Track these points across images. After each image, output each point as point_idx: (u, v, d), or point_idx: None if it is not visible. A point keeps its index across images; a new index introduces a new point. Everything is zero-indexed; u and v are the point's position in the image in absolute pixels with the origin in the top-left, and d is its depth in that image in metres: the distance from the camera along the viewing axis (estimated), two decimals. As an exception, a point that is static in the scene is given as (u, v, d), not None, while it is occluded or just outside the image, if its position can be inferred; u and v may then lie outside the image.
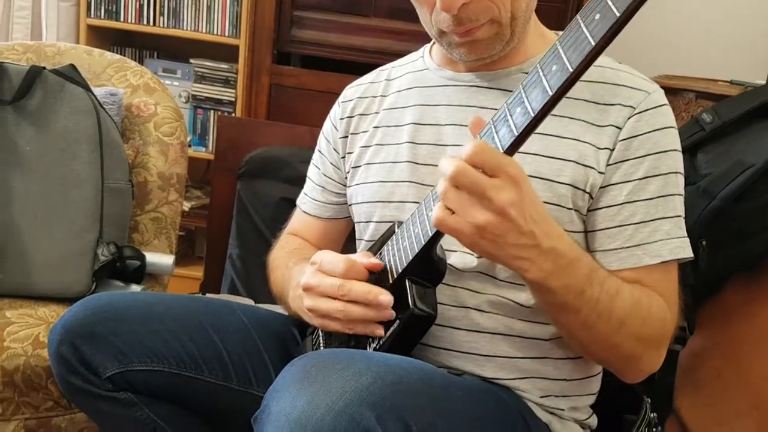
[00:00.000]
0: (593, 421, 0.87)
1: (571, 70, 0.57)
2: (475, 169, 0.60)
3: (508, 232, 0.62)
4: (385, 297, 0.73)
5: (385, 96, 0.95)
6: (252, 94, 2.04)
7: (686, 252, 0.77)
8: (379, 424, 0.58)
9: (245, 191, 1.67)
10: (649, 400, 0.94)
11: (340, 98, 1.01)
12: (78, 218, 1.17)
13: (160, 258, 1.24)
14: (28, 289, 1.15)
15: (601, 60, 0.67)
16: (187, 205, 2.05)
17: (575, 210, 0.79)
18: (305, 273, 0.79)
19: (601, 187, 0.78)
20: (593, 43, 0.55)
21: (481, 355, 0.82)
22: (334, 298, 0.75)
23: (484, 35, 0.77)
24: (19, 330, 1.06)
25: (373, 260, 0.78)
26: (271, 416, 0.59)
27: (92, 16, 2.05)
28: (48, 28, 2.11)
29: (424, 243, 0.74)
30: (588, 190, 0.78)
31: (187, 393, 0.84)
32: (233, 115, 2.05)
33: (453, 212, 0.63)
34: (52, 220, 1.16)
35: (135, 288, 1.17)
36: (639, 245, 0.76)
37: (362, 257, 0.78)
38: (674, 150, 0.79)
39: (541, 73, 0.60)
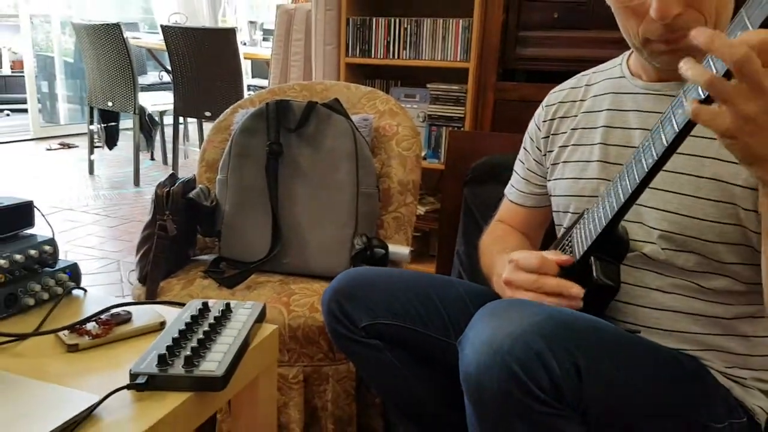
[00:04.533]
0: (780, 390, 0.90)
1: None
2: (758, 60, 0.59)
3: None
4: (576, 289, 0.84)
5: (583, 100, 1.06)
6: (478, 109, 2.24)
7: None
8: (549, 350, 0.72)
9: (471, 195, 1.86)
10: None
11: (544, 102, 1.13)
12: (341, 216, 1.47)
13: (399, 249, 1.49)
14: (306, 269, 1.48)
15: None
16: (422, 210, 2.31)
17: (755, 211, 0.83)
18: (506, 268, 0.92)
19: None
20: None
21: (663, 330, 0.91)
22: (531, 291, 0.87)
23: (689, 44, 0.82)
24: (300, 299, 1.38)
25: (563, 257, 0.90)
26: (468, 339, 0.78)
27: (349, 55, 2.41)
28: (316, 68, 2.51)
29: (605, 224, 0.86)
30: None
31: (418, 344, 1.06)
32: (462, 129, 2.27)
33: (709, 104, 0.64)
34: (322, 218, 1.48)
35: (381, 271, 1.45)
36: None
37: (553, 255, 0.90)
38: None
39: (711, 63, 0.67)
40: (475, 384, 0.75)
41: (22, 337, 0.88)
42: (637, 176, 0.81)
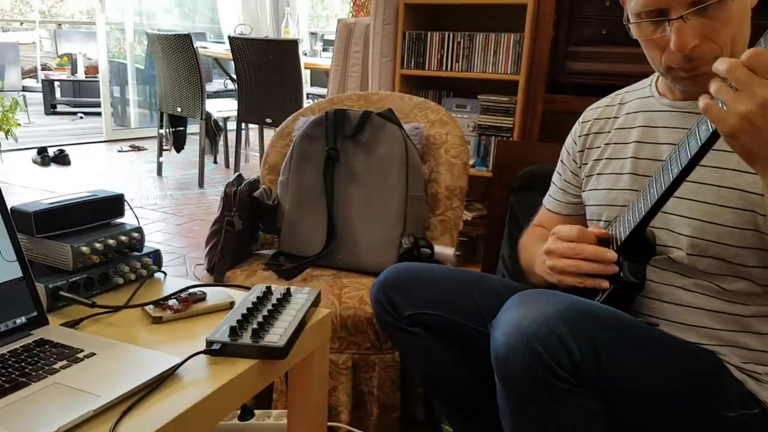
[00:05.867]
0: (794, 386, 0.95)
1: None
2: (747, 69, 0.71)
3: (766, 123, 0.71)
4: (611, 254, 0.94)
5: (617, 118, 1.14)
6: (527, 120, 2.32)
7: None
8: (569, 334, 0.81)
9: (517, 202, 1.94)
10: None
11: (581, 118, 1.22)
12: (390, 217, 1.58)
13: (444, 249, 1.59)
14: (357, 265, 1.60)
15: None
16: (469, 215, 2.40)
17: None
18: (548, 240, 1.02)
19: None
20: None
21: (685, 324, 0.99)
22: (569, 258, 0.98)
23: (706, 71, 0.90)
24: (351, 291, 1.50)
25: (601, 231, 1.00)
26: (499, 323, 0.89)
27: (404, 67, 2.53)
28: (372, 79, 2.63)
29: (634, 226, 0.95)
30: None
31: (456, 333, 1.15)
32: (510, 139, 2.36)
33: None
34: (373, 218, 1.59)
35: (426, 269, 1.55)
36: None
37: (592, 228, 1.01)
38: None
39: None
40: (503, 362, 0.85)
41: (115, 309, 1.03)
42: (663, 184, 0.91)
